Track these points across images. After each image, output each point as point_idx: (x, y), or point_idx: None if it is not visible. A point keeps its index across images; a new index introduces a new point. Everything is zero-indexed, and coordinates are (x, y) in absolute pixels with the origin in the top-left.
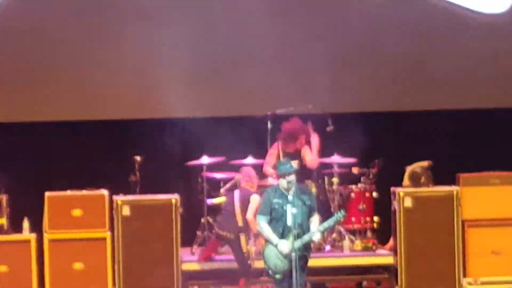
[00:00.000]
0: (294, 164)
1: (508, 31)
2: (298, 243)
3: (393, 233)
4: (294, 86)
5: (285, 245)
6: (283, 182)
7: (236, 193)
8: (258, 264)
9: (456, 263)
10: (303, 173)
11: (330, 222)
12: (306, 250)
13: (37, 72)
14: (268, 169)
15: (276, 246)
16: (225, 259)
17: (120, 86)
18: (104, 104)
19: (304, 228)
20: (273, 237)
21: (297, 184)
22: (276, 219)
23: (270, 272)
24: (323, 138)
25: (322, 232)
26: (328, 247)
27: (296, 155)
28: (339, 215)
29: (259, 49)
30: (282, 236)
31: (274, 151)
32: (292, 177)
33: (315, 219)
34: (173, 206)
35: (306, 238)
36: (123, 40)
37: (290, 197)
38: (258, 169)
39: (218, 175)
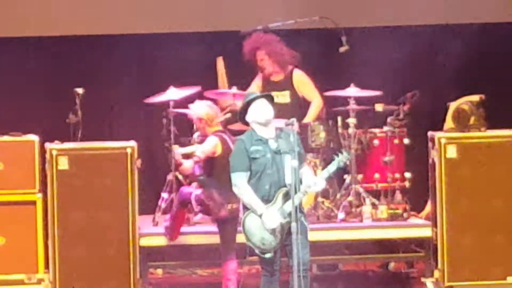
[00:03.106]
0: (282, 96)
1: None
2: (289, 207)
3: (431, 196)
4: None
5: (273, 217)
6: (254, 115)
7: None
8: (240, 238)
9: None
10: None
11: (330, 168)
12: (301, 215)
13: None
14: None
15: (260, 216)
16: (200, 231)
17: None
18: (27, 17)
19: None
20: (258, 204)
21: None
22: (257, 174)
23: (257, 251)
24: (335, 61)
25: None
26: (341, 215)
27: (287, 84)
28: (341, 158)
29: None
30: (268, 200)
31: (257, 83)
32: (266, 106)
33: (307, 170)
34: (128, 157)
35: (299, 196)
36: None
37: (274, 142)
38: None
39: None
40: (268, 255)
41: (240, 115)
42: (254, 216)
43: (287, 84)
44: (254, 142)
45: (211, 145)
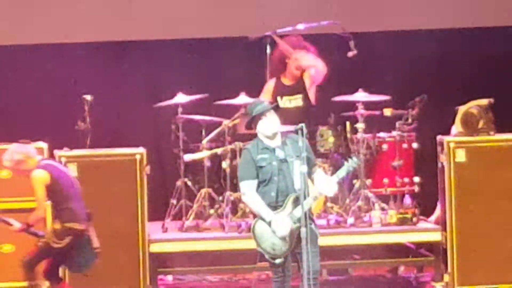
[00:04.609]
0: (295, 100)
1: None
2: (299, 212)
3: (440, 200)
4: None
5: (283, 223)
6: (262, 128)
7: None
8: (251, 244)
9: None
10: (313, 116)
11: (339, 174)
12: (311, 222)
13: None
14: None
15: (269, 223)
16: (210, 237)
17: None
18: (36, 25)
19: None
20: (266, 212)
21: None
22: (264, 182)
23: (267, 256)
24: (343, 66)
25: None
26: (351, 220)
27: (299, 87)
28: (351, 163)
29: None
30: (275, 207)
31: (270, 86)
32: (273, 119)
33: (320, 173)
34: (137, 163)
35: (309, 202)
36: None
37: (281, 150)
38: None
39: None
40: (278, 261)
41: (248, 124)
42: (263, 222)
43: (300, 87)
44: (260, 150)
45: (37, 187)
